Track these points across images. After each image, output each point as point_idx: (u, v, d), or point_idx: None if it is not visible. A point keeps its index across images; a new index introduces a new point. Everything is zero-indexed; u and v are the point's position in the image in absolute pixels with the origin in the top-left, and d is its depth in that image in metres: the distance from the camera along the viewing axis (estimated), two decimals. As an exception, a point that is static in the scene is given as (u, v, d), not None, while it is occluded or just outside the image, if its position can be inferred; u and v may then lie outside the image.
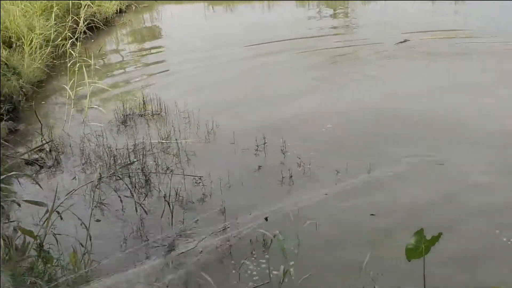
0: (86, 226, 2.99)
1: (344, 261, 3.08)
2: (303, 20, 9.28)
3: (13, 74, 5.50)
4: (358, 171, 4.06)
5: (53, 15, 6.85)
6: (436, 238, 2.11)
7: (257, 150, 4.53)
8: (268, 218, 3.39)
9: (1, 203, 1.49)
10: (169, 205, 3.38)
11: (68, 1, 7.35)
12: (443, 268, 2.89)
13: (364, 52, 7.28)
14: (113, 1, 8.83)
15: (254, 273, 3.00)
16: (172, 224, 3.36)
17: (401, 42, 7.43)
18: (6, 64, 5.50)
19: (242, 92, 5.96)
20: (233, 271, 3.02)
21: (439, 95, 5.58)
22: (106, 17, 8.67)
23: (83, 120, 5.23)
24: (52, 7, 6.97)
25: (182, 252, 3.16)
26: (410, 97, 5.52)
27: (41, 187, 3.24)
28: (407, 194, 3.81)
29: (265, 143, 4.59)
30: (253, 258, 3.11)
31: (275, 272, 2.91)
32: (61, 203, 2.98)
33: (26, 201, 2.58)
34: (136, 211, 3.54)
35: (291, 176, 4.05)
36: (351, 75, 6.41)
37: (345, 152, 4.42)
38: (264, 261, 3.09)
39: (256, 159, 4.42)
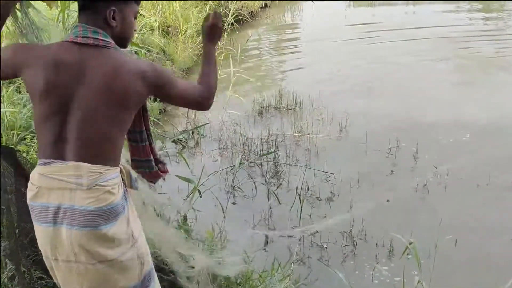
0: (222, 207, 3.21)
1: (483, 283, 2.88)
2: (449, 21, 8.72)
3: (167, 60, 6.05)
4: (501, 186, 3.75)
5: (207, 7, 7.37)
6: None
7: (389, 153, 4.42)
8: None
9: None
10: (299, 198, 3.47)
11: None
12: None
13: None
14: (259, -4, 9.20)
15: (377, 279, 2.96)
16: (300, 218, 3.44)
17: None
18: (163, 50, 6.08)
19: (379, 92, 5.82)
20: (356, 272, 3.02)
21: None
22: (252, 11, 9.06)
23: (224, 107, 5.57)
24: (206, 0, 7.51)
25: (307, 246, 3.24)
26: None
27: (188, 166, 3.54)
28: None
29: (397, 146, 4.46)
30: (377, 263, 3.07)
31: (397, 279, 2.85)
32: (204, 181, 3.24)
33: (178, 176, 2.85)
34: (268, 199, 3.70)
35: (425, 184, 3.88)
36: (501, 83, 5.89)
37: (485, 165, 4.11)
38: (386, 268, 3.04)
39: (388, 162, 4.31)
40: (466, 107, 5.30)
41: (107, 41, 1.54)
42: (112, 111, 1.51)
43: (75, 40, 1.52)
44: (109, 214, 1.50)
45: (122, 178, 1.60)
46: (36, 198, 1.52)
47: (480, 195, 3.78)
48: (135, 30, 1.67)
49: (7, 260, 2.39)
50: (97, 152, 1.50)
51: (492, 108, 5.24)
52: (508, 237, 3.29)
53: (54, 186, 1.49)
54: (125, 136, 1.64)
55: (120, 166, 1.61)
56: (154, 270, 1.70)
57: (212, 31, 1.75)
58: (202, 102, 1.69)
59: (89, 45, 1.51)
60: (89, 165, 1.48)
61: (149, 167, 1.79)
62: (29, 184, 1.56)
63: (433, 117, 5.08)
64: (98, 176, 1.49)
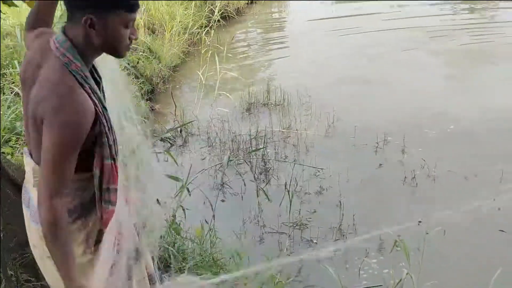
0: (211, 205, 3.20)
1: (471, 275, 2.91)
2: (435, 14, 8.77)
3: (154, 58, 6.01)
4: (489, 181, 3.79)
5: (193, 4, 7.32)
6: None
7: (377, 147, 4.44)
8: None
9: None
10: (289, 194, 3.47)
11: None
12: None
13: (507, 52, 6.69)
14: (246, -8, 9.16)
15: (367, 273, 2.98)
16: (289, 213, 3.44)
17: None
18: (149, 48, 6.03)
19: (367, 87, 5.84)
20: (347, 266, 3.03)
21: None
22: (238, 8, 9.03)
23: (211, 104, 5.55)
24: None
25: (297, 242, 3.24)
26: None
27: (176, 163, 3.52)
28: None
29: (385, 139, 4.49)
30: (366, 257, 3.09)
31: (385, 271, 2.87)
32: (192, 179, 3.22)
33: (166, 175, 2.83)
34: (257, 195, 3.69)
35: (414, 177, 3.91)
36: (485, 76, 5.96)
37: (472, 157, 4.16)
38: (375, 260, 3.06)
39: (376, 156, 4.34)
40: (452, 100, 5.35)
41: (65, 54, 1.40)
42: (38, 125, 1.41)
43: (50, 43, 1.45)
44: None
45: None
46: (26, 183, 1.62)
47: (469, 187, 3.81)
48: (132, 39, 1.47)
49: (-7, 264, 2.36)
50: (38, 154, 1.44)
51: (478, 100, 5.29)
52: (496, 228, 3.32)
53: (29, 177, 1.58)
54: None
55: None
56: None
57: None
58: (40, 195, 1.38)
59: (52, 51, 1.43)
60: (36, 166, 1.52)
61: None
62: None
63: (420, 110, 5.13)
64: None
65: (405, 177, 3.92)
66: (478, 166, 3.99)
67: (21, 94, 1.59)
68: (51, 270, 1.53)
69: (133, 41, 1.49)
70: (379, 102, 5.41)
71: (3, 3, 2.24)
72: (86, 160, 1.47)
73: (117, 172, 1.53)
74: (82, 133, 1.37)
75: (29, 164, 1.56)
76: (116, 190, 1.54)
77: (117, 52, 1.47)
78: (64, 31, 1.44)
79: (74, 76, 1.40)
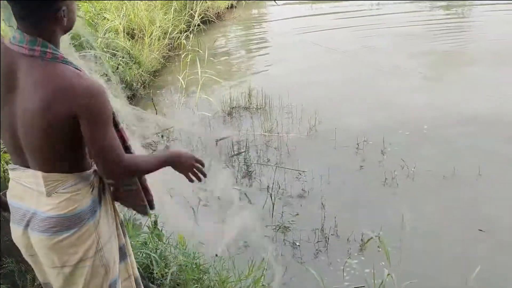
0: (193, 210, 3.19)
1: (451, 273, 2.96)
2: (409, 18, 8.92)
3: (134, 63, 5.97)
4: (467, 179, 3.87)
5: (172, 9, 7.31)
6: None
7: (357, 148, 4.49)
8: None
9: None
10: (271, 197, 3.48)
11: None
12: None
13: (479, 53, 6.84)
14: (226, -4, 9.19)
15: (349, 274, 3.01)
16: (272, 216, 3.46)
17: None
18: (128, 53, 5.99)
19: (346, 89, 5.90)
20: (331, 268, 3.06)
21: None
22: (218, 12, 9.04)
23: (193, 109, 5.54)
24: (171, 1, 7.44)
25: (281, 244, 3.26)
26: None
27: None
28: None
29: (365, 141, 4.55)
30: (349, 258, 3.12)
31: (366, 271, 2.91)
32: (174, 185, 3.21)
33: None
34: (240, 199, 3.69)
35: (394, 178, 3.97)
36: (461, 77, 6.09)
37: (449, 156, 4.25)
38: (356, 261, 3.10)
39: (357, 157, 4.39)
40: (431, 101, 5.44)
41: (44, 51, 1.40)
42: (43, 128, 1.40)
43: (11, 47, 1.43)
44: (70, 221, 1.49)
45: (104, 184, 1.60)
46: (13, 198, 1.57)
47: (447, 186, 3.88)
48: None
49: (-29, 275, 2.32)
50: (46, 161, 1.47)
51: (456, 101, 5.39)
52: (475, 227, 3.38)
53: (24, 190, 1.52)
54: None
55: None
56: (119, 282, 1.67)
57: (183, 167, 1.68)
58: (112, 166, 1.46)
59: (24, 55, 1.40)
60: (45, 174, 1.47)
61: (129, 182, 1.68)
62: (9, 183, 1.59)
63: (397, 112, 5.20)
64: (56, 184, 1.48)
65: (386, 178, 3.97)
66: (456, 165, 4.06)
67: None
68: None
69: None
70: (358, 104, 5.47)
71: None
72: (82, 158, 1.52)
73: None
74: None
75: (29, 176, 1.50)
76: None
77: (72, 27, 1.51)
78: (23, 31, 1.41)
79: (66, 64, 1.43)
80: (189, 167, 1.68)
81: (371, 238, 2.79)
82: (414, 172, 4.02)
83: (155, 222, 2.78)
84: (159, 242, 2.77)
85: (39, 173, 1.47)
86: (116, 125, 1.57)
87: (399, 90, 5.75)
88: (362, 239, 3.25)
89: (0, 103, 1.45)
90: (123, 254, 1.71)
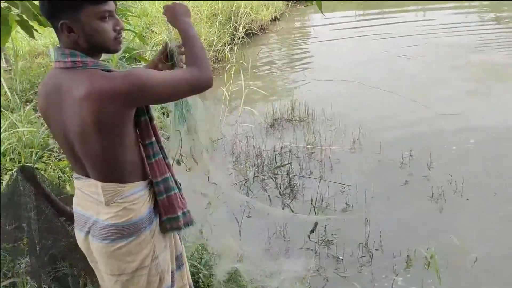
0: (237, 221, 3.22)
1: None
2: (461, 27, 8.71)
3: (180, 76, 6.11)
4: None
5: (217, 22, 7.46)
6: None
7: (402, 162, 4.41)
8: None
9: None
10: (314, 210, 3.47)
11: (230, 9, 7.92)
12: None
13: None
14: (269, 9, 9.28)
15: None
16: (316, 230, 3.44)
17: None
18: (175, 66, 6.14)
19: (389, 100, 5.82)
20: (375, 284, 3.01)
21: None
22: (262, 25, 9.15)
23: (236, 120, 5.61)
24: (217, 15, 7.60)
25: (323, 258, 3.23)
26: None
27: (208, 177, 3.55)
28: None
29: (411, 155, 4.46)
30: (396, 275, 3.06)
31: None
32: (218, 195, 3.25)
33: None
34: (283, 211, 3.70)
35: (441, 194, 3.87)
36: (509, 90, 5.88)
37: (499, 172, 4.09)
38: (401, 278, 3.03)
39: (402, 171, 4.30)
40: (476, 115, 5.27)
41: (74, 61, 1.44)
42: (95, 135, 1.43)
43: (56, 65, 1.50)
44: (128, 229, 1.54)
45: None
46: (77, 205, 1.65)
47: (499, 203, 3.74)
48: (118, 30, 1.49)
49: (28, 277, 2.44)
50: (105, 171, 1.52)
51: (503, 115, 5.21)
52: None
53: (86, 198, 1.59)
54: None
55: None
56: None
57: (177, 8, 1.67)
58: (196, 83, 1.53)
59: (62, 68, 1.47)
60: (103, 183, 1.53)
61: (167, 188, 1.61)
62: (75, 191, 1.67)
63: (445, 125, 5.08)
64: (115, 194, 1.53)
65: (432, 193, 3.88)
66: (507, 182, 3.92)
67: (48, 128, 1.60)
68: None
69: (122, 32, 1.51)
70: (402, 116, 5.38)
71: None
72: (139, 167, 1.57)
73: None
74: None
75: (90, 186, 1.55)
76: None
77: (106, 46, 1.49)
78: (58, 47, 1.49)
79: (97, 68, 1.46)
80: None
81: (427, 255, 2.70)
82: (463, 188, 3.90)
83: (201, 232, 2.83)
84: (204, 251, 2.82)
85: (98, 183, 1.53)
86: (151, 119, 1.58)
87: (444, 103, 5.61)
88: (408, 255, 3.18)
89: (51, 121, 1.54)
90: (180, 263, 1.75)
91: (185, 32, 1.61)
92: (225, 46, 7.52)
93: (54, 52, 1.49)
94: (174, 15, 1.65)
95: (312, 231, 3.40)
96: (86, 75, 1.42)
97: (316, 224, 3.41)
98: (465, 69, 6.73)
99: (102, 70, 1.45)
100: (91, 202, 1.57)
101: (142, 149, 1.58)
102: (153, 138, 1.58)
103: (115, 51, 1.52)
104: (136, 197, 1.55)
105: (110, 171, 1.52)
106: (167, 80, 1.47)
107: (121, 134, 1.47)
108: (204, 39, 7.06)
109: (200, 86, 1.54)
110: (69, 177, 3.65)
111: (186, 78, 1.51)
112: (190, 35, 1.60)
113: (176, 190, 1.65)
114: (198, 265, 2.61)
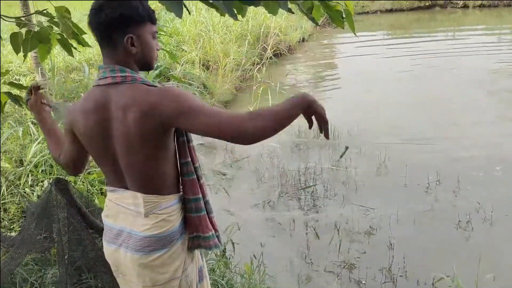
0: (260, 241, 3.23)
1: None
2: (492, 50, 8.61)
3: (208, 94, 6.23)
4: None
5: (246, 42, 7.58)
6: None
7: (428, 187, 4.35)
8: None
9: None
10: (338, 233, 3.44)
11: (259, 30, 8.05)
12: None
13: None
14: (298, 30, 9.38)
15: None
16: (339, 252, 3.41)
17: None
18: (203, 84, 6.26)
19: (419, 125, 5.77)
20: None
21: None
22: (290, 45, 9.25)
23: (262, 139, 5.63)
24: (246, 35, 7.73)
25: (345, 282, 3.20)
26: None
27: (228, 194, 3.60)
28: None
29: (437, 180, 4.40)
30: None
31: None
32: (242, 214, 3.28)
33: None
34: (306, 233, 3.69)
35: (469, 221, 3.79)
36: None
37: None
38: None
39: (428, 196, 4.24)
40: (508, 142, 5.18)
41: (124, 76, 1.50)
42: (139, 146, 1.50)
43: (98, 83, 1.55)
44: (164, 241, 1.58)
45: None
46: (107, 218, 1.67)
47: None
48: (158, 50, 1.61)
49: (53, 287, 2.49)
50: (146, 183, 1.57)
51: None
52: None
53: (120, 211, 1.62)
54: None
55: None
56: None
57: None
58: (238, 131, 1.40)
59: (109, 84, 1.51)
60: (144, 195, 1.57)
61: (197, 208, 1.64)
62: (106, 203, 1.70)
63: (474, 151, 5.00)
64: (155, 205, 1.57)
65: (459, 221, 3.80)
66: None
67: (90, 149, 1.65)
68: None
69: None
70: (429, 141, 5.32)
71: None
72: (175, 181, 1.62)
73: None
74: None
75: (128, 197, 1.59)
76: None
77: (150, 63, 1.58)
78: (104, 63, 1.55)
79: (145, 83, 1.52)
80: (322, 111, 1.56)
81: (443, 278, 2.65)
82: (492, 216, 3.82)
83: (224, 250, 2.85)
84: (226, 270, 2.83)
85: (139, 195, 1.57)
86: (188, 141, 1.62)
87: (473, 128, 5.54)
88: (433, 284, 3.12)
89: (92, 141, 1.59)
90: (201, 276, 1.78)
91: (289, 104, 1.54)
92: (253, 66, 7.62)
93: (100, 69, 1.56)
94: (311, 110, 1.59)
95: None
96: (135, 89, 1.49)
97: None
98: (498, 94, 6.62)
99: (148, 85, 1.53)
100: (126, 214, 1.61)
101: (178, 165, 1.64)
102: (189, 159, 1.63)
103: (151, 68, 1.62)
104: (174, 209, 1.60)
105: (151, 183, 1.58)
106: (214, 114, 1.42)
107: (163, 147, 1.53)
108: (233, 59, 7.18)
109: (239, 138, 1.42)
110: (98, 191, 3.74)
111: (234, 123, 1.41)
112: (287, 108, 1.52)
113: (204, 212, 1.66)
114: (222, 281, 2.62)
